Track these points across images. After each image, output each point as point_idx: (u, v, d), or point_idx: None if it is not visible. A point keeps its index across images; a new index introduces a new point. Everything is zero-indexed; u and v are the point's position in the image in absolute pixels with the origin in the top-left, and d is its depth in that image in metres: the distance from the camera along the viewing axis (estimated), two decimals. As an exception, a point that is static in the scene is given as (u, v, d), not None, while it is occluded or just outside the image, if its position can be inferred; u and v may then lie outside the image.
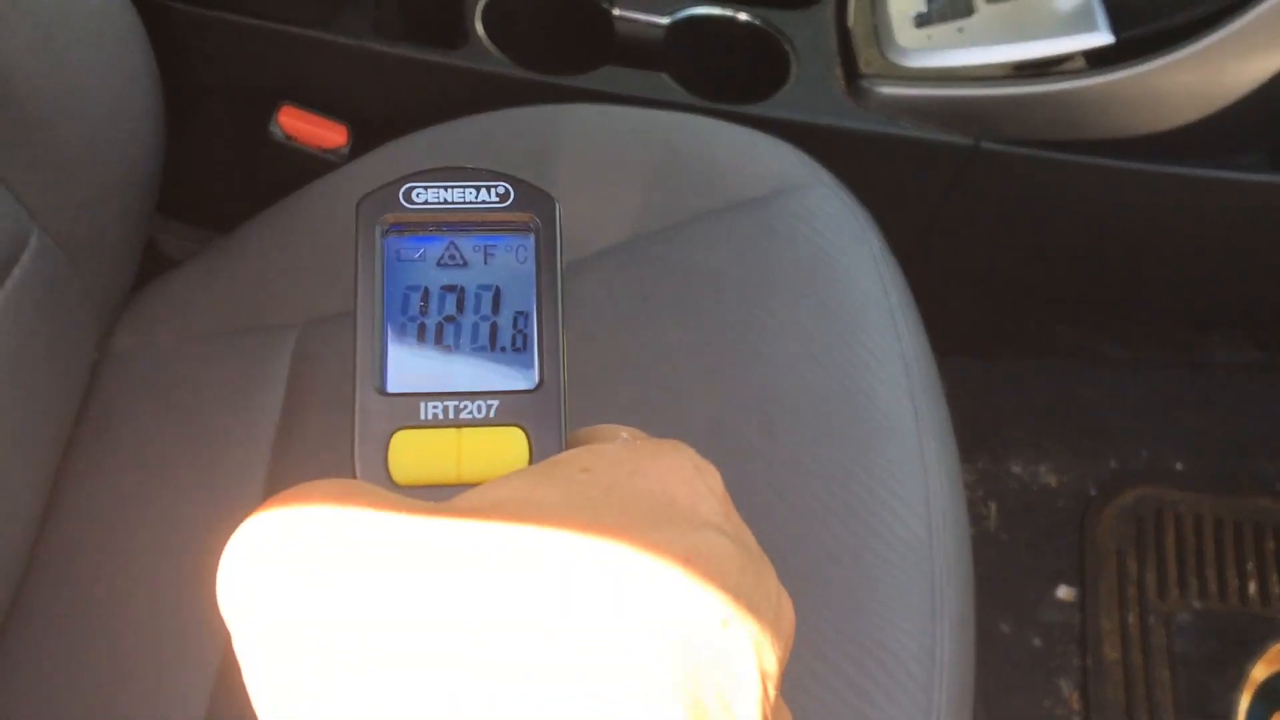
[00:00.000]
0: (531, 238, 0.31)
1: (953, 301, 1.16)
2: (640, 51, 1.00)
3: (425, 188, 0.31)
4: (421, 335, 0.30)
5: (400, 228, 0.31)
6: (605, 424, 0.31)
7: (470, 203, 0.31)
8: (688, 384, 0.78)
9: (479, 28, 0.98)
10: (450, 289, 0.31)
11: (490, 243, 0.31)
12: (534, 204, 0.31)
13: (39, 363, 0.77)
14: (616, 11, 1.00)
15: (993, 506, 1.21)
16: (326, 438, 0.79)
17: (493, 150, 0.89)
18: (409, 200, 0.31)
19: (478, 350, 0.30)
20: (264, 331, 0.86)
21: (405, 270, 0.31)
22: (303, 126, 0.99)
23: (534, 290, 0.31)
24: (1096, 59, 0.93)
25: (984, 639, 1.13)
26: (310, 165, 0.98)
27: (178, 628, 0.75)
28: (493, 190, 0.31)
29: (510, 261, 0.31)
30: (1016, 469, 1.23)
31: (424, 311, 0.31)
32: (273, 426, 0.81)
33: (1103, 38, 0.91)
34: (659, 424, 0.73)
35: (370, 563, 0.24)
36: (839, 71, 0.98)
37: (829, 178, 0.88)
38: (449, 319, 0.31)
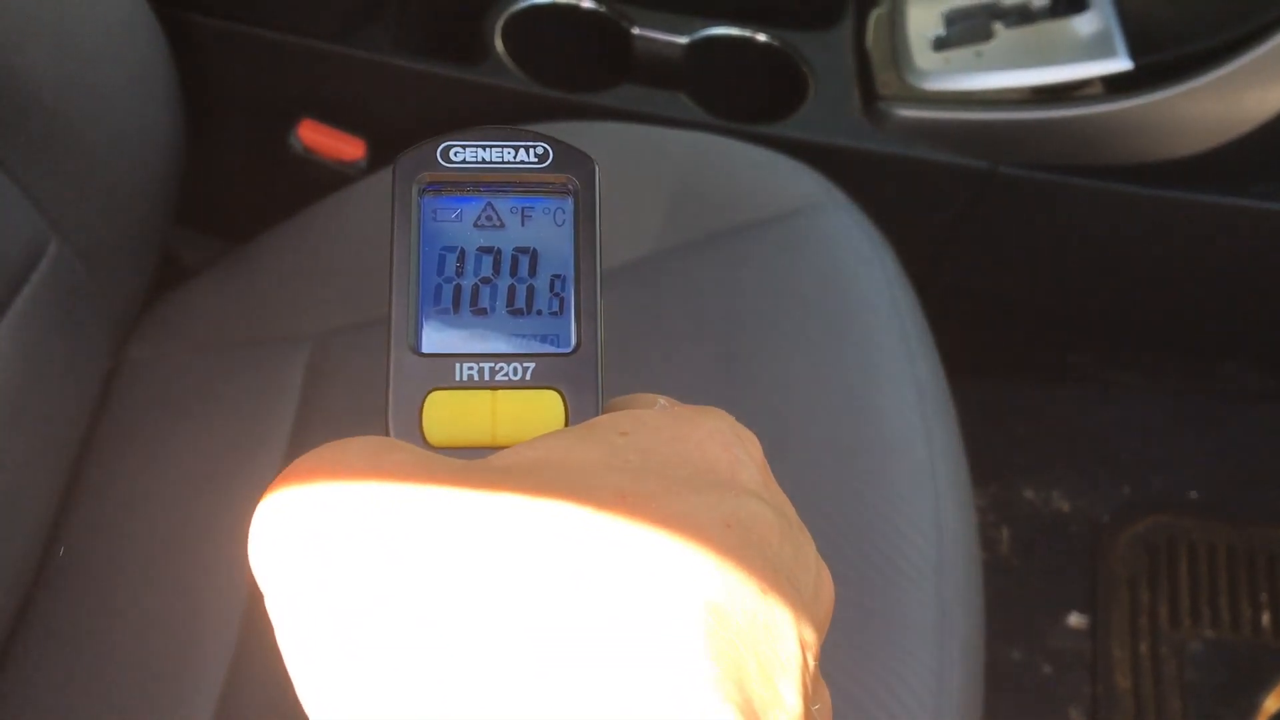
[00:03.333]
0: (570, 200, 0.31)
1: (967, 325, 1.16)
2: (659, 70, 1.00)
3: (464, 146, 0.31)
4: (457, 296, 0.30)
5: (437, 187, 0.31)
6: (642, 392, 0.31)
7: (508, 163, 0.31)
8: (700, 401, 0.78)
9: (499, 44, 0.98)
10: (487, 250, 0.30)
11: (528, 204, 0.31)
12: (573, 165, 0.31)
13: (55, 370, 0.77)
14: (636, 30, 1.00)
15: (1005, 532, 1.20)
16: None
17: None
18: (447, 159, 0.30)
19: (514, 312, 0.30)
20: (278, 343, 0.87)
21: (442, 231, 0.30)
22: (322, 140, 0.99)
23: (572, 253, 0.31)
24: (1115, 85, 0.93)
25: (994, 666, 1.12)
26: (328, 178, 0.99)
27: (188, 634, 0.75)
28: (531, 151, 0.31)
29: (548, 224, 0.31)
30: (1029, 495, 1.22)
31: (460, 273, 0.30)
32: (285, 437, 0.81)
33: (1122, 64, 0.91)
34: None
35: (402, 523, 0.24)
36: (856, 93, 0.98)
37: (845, 199, 0.88)
38: (485, 281, 0.30)
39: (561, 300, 0.30)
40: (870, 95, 0.97)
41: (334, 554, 0.24)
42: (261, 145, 1.04)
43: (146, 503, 0.80)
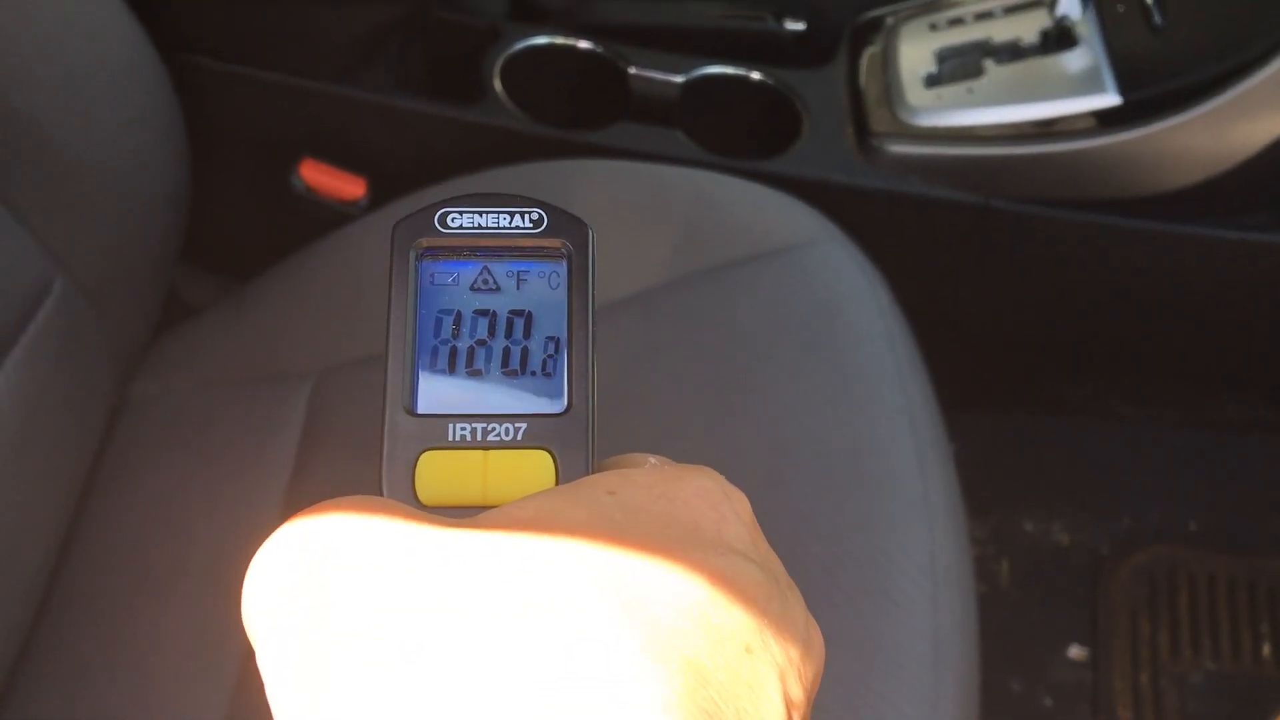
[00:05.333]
0: (564, 264, 0.32)
1: (964, 358, 1.17)
2: (655, 109, 1.01)
3: (460, 213, 0.31)
4: (453, 358, 0.31)
5: (434, 252, 0.31)
6: (633, 452, 0.31)
7: (504, 228, 0.31)
8: (695, 435, 0.78)
9: (497, 84, 1.00)
10: (483, 313, 0.31)
11: (523, 268, 0.32)
12: (567, 230, 0.32)
13: (59, 406, 0.78)
14: (632, 70, 1.02)
15: (1005, 564, 1.21)
16: (340, 483, 0.80)
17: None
18: (444, 225, 0.31)
19: (508, 374, 0.31)
20: (280, 379, 0.87)
21: (438, 294, 0.31)
22: (323, 179, 1.01)
23: (565, 316, 0.31)
24: (1105, 120, 0.94)
25: (995, 698, 1.12)
26: (329, 217, 1.00)
27: (190, 669, 0.75)
28: (527, 216, 0.31)
29: (543, 287, 0.31)
30: (1029, 527, 1.23)
31: (456, 335, 0.31)
32: (287, 472, 0.82)
33: (1110, 99, 0.93)
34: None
35: (388, 587, 0.24)
36: (850, 130, 0.99)
37: (839, 234, 0.89)
38: (480, 343, 0.31)
39: (555, 362, 0.31)
40: (864, 132, 0.99)
41: (322, 617, 0.24)
42: (264, 184, 1.05)
43: (150, 537, 0.81)
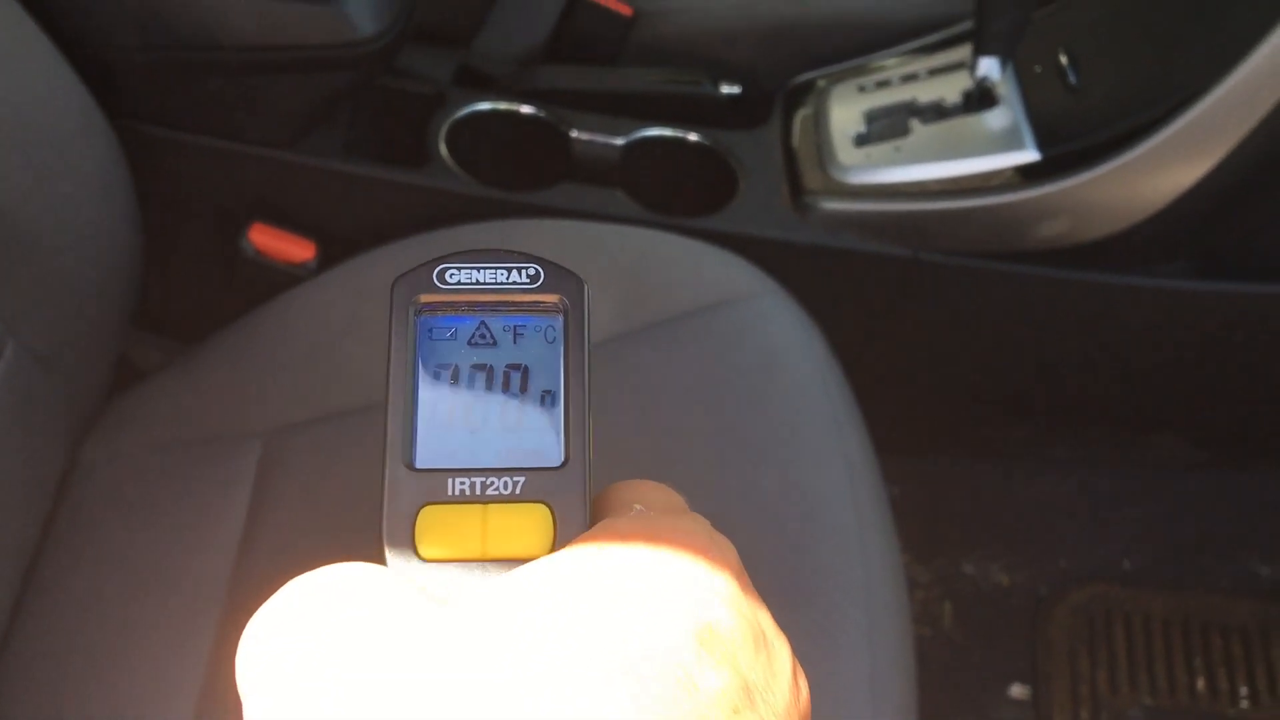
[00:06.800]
0: (560, 318, 0.32)
1: (901, 405, 1.20)
2: (596, 170, 1.05)
3: (458, 268, 0.32)
4: (451, 412, 0.31)
5: (433, 307, 0.32)
6: (619, 482, 0.32)
7: (501, 284, 0.32)
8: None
9: (443, 149, 1.03)
10: (480, 368, 0.31)
11: (520, 323, 0.32)
12: (563, 286, 0.32)
13: (10, 470, 0.79)
14: (574, 133, 1.05)
15: (947, 606, 1.23)
16: (291, 542, 0.81)
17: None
18: (442, 281, 0.32)
19: (506, 428, 0.31)
20: (231, 440, 0.88)
21: (436, 349, 0.32)
22: (273, 243, 1.02)
23: (561, 370, 0.31)
24: (1025, 175, 0.98)
25: (940, 738, 1.14)
26: (280, 279, 1.01)
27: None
28: (523, 272, 0.32)
29: (539, 341, 0.32)
30: (969, 569, 1.26)
31: (454, 389, 0.31)
32: (238, 532, 0.83)
33: (1030, 155, 0.97)
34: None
35: (382, 650, 0.25)
36: (784, 188, 1.03)
37: (775, 287, 0.92)
38: (478, 397, 0.31)
39: (551, 416, 0.31)
40: (797, 189, 1.02)
41: (311, 683, 0.25)
42: (214, 249, 1.07)
43: (99, 601, 0.81)
